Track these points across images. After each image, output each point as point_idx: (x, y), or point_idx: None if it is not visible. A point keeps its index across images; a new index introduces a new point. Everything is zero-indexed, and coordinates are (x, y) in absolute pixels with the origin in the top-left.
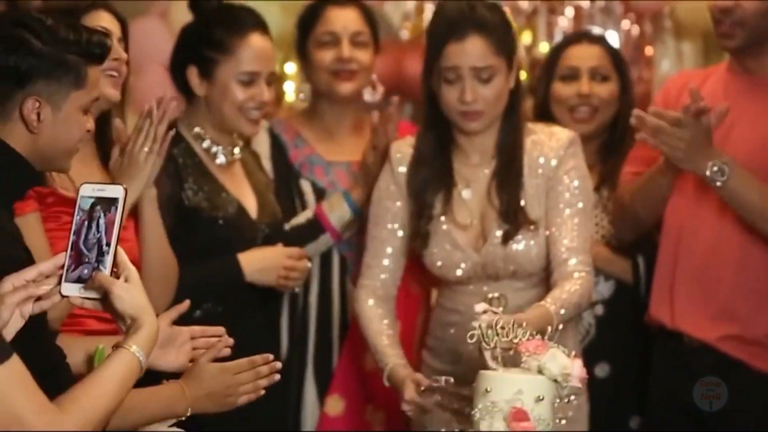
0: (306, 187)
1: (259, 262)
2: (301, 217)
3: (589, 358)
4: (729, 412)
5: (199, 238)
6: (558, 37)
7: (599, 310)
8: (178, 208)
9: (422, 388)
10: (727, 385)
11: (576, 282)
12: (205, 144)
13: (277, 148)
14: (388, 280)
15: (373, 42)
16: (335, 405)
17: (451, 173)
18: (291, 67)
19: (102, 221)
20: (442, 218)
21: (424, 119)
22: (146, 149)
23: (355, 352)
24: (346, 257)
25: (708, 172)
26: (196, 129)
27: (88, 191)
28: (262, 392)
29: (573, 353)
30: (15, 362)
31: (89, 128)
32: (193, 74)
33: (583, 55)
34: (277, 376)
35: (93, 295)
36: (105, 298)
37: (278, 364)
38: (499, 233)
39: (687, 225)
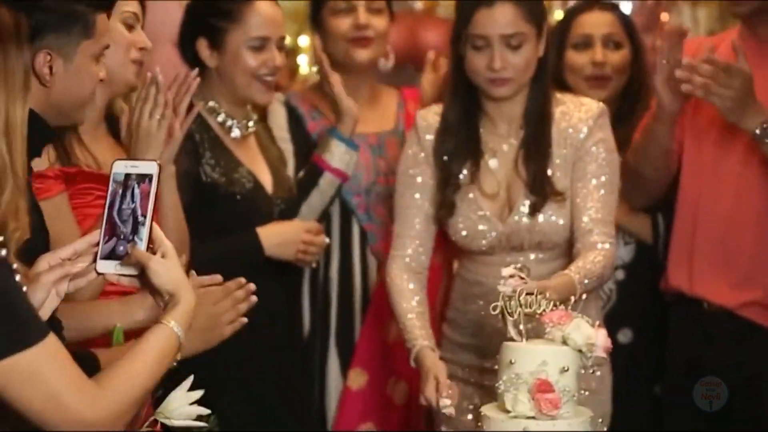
0: None
1: (278, 236)
2: (301, 171)
3: (611, 324)
4: (751, 378)
5: (217, 213)
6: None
7: (620, 275)
8: (195, 184)
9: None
10: (748, 351)
11: (600, 253)
12: (220, 118)
13: (295, 120)
14: (419, 249)
15: (388, 9)
16: (358, 378)
17: (478, 142)
18: (305, 41)
19: (137, 191)
20: (469, 187)
21: (451, 87)
22: (157, 116)
23: (377, 325)
24: (366, 230)
25: (758, 131)
26: (211, 103)
27: (121, 167)
28: (245, 320)
29: (597, 323)
30: (52, 341)
31: (102, 77)
32: (203, 46)
33: (596, 23)
34: (254, 298)
35: (130, 271)
36: (142, 274)
37: (252, 286)
38: (526, 204)
39: (705, 191)
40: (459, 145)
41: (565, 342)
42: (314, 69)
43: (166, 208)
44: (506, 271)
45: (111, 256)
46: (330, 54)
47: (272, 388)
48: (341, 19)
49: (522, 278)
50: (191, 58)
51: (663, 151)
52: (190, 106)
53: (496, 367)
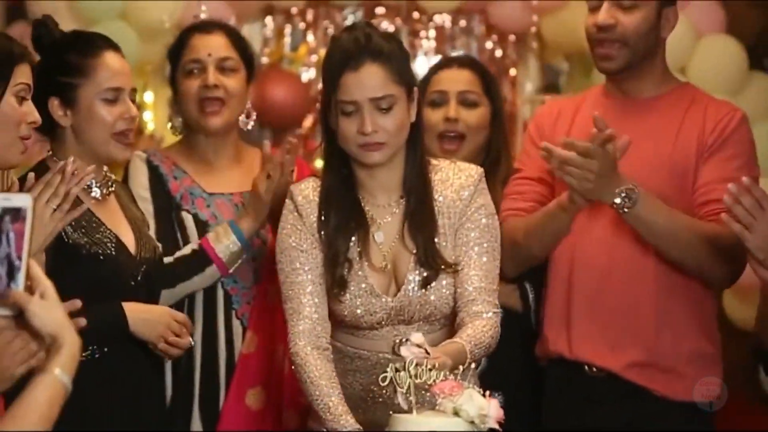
0: (188, 219)
1: (145, 313)
2: (186, 249)
3: (483, 387)
4: None
5: (80, 274)
6: (421, 58)
7: None
8: (57, 246)
9: None
10: (630, 413)
11: (487, 322)
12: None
13: (157, 178)
14: (318, 322)
15: (245, 67)
16: None
17: (362, 214)
18: (149, 97)
19: (11, 234)
20: (358, 263)
21: (325, 159)
22: (53, 206)
23: (243, 391)
24: (230, 293)
25: (617, 200)
26: None
27: None
28: (42, 354)
29: (488, 393)
30: None
31: None
32: (54, 105)
33: (452, 79)
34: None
35: (6, 312)
36: (21, 316)
37: (78, 302)
38: (416, 278)
39: (578, 255)
40: (343, 218)
41: (456, 413)
42: (169, 125)
43: None
44: (416, 338)
45: None
46: (184, 117)
47: None
48: (192, 80)
49: (425, 349)
50: (44, 121)
51: (562, 235)
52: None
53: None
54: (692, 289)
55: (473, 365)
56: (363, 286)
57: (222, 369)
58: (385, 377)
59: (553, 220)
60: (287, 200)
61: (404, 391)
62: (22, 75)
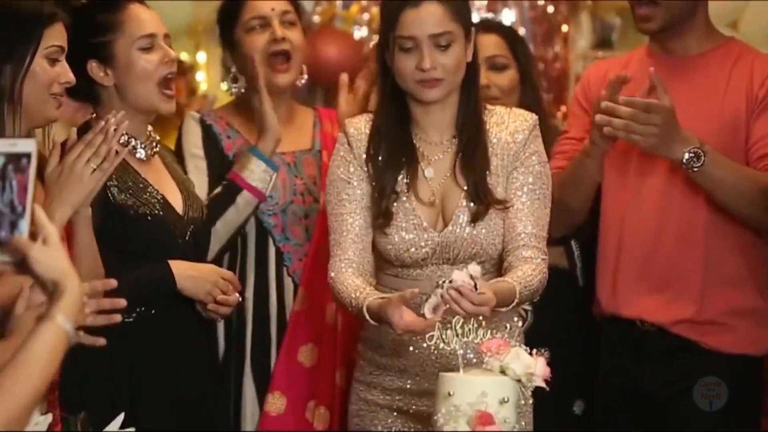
0: None
1: (191, 270)
2: (218, 187)
3: (528, 344)
4: (683, 392)
5: (128, 235)
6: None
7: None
8: (104, 207)
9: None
10: (682, 367)
11: (536, 267)
12: (122, 140)
13: (210, 138)
14: (361, 252)
15: (299, 23)
16: (276, 403)
17: (413, 150)
18: (203, 57)
19: (14, 182)
20: (406, 195)
21: (380, 96)
22: (93, 165)
23: (295, 348)
24: (282, 250)
25: (685, 158)
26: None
27: None
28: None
29: (535, 351)
30: None
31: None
32: (94, 68)
33: (480, 45)
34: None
35: (8, 258)
36: (23, 263)
37: (114, 282)
38: (465, 214)
39: (628, 215)
40: (393, 153)
41: (503, 372)
42: (223, 86)
43: (80, 250)
44: (473, 269)
45: None
46: (246, 74)
47: (187, 413)
48: (256, 36)
49: (474, 282)
50: (84, 89)
51: (592, 185)
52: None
53: (416, 387)
54: (743, 244)
55: (520, 323)
56: (410, 218)
57: (273, 326)
58: (432, 335)
59: (581, 169)
60: (339, 133)
61: (451, 348)
62: (54, 37)
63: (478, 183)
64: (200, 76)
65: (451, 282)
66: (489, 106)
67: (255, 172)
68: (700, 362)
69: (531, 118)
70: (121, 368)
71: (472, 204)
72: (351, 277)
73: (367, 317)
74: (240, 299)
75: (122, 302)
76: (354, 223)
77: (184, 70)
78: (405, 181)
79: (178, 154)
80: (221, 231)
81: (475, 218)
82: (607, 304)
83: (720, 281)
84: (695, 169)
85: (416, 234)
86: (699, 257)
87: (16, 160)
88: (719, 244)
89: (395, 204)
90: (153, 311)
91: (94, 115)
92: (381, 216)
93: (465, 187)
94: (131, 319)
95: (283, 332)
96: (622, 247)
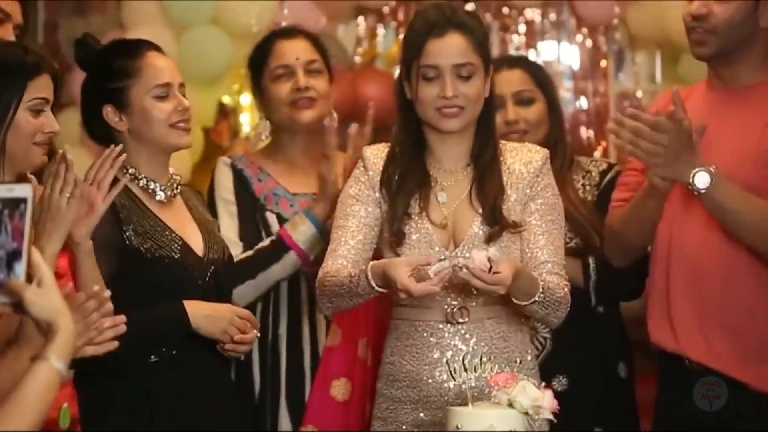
0: (272, 219)
1: (206, 309)
2: (266, 241)
3: (546, 372)
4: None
5: (145, 278)
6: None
7: None
8: (121, 252)
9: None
10: (731, 408)
11: (563, 287)
12: (142, 183)
13: (241, 181)
14: (354, 264)
15: (327, 70)
16: None
17: (426, 176)
18: (246, 99)
19: (10, 227)
20: (417, 217)
21: (399, 122)
22: (67, 194)
23: (327, 383)
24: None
25: (691, 179)
26: (131, 170)
27: None
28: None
29: (543, 384)
30: None
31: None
32: (109, 112)
33: (505, 82)
34: (109, 305)
35: (5, 300)
36: (19, 304)
37: (107, 293)
38: (477, 236)
39: (674, 245)
40: (406, 177)
41: (511, 405)
42: (259, 133)
43: (85, 284)
44: (493, 252)
45: None
46: (273, 119)
47: None
48: (281, 84)
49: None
50: (101, 133)
51: (653, 221)
52: (115, 180)
53: (430, 418)
54: None
55: (533, 354)
56: (422, 238)
57: (307, 362)
58: (442, 370)
59: (643, 206)
60: (359, 160)
61: (460, 383)
62: (38, 89)
63: (494, 206)
64: (244, 118)
65: (468, 258)
66: (503, 141)
67: (305, 235)
68: (748, 404)
69: (543, 151)
70: (142, 409)
71: (486, 227)
72: (344, 269)
73: (370, 277)
74: (258, 336)
75: (122, 318)
76: (353, 237)
77: (227, 113)
78: (418, 204)
79: (210, 198)
80: (262, 283)
81: (489, 240)
82: (654, 337)
83: (764, 318)
84: (702, 192)
85: (427, 253)
86: (741, 293)
87: (14, 205)
88: (761, 280)
89: (407, 225)
90: (174, 352)
91: None
92: (393, 235)
93: (480, 211)
94: (153, 361)
95: (317, 367)
96: (669, 278)
